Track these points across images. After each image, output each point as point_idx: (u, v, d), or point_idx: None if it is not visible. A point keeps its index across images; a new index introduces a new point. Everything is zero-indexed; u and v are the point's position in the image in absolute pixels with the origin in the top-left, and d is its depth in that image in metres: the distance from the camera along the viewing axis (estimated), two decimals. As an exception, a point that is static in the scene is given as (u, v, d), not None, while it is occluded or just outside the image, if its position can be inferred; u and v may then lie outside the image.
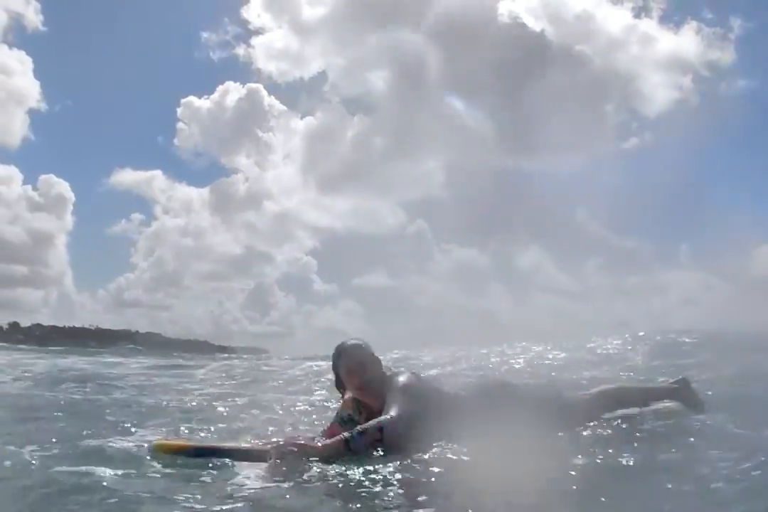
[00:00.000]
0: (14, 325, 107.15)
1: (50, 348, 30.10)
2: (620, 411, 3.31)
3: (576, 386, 4.19)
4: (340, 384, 3.10)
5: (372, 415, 2.83)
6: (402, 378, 2.90)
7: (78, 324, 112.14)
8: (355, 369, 2.99)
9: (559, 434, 2.94)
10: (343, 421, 3.00)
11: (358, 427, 2.67)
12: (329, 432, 3.01)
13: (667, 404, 3.48)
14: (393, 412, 2.69)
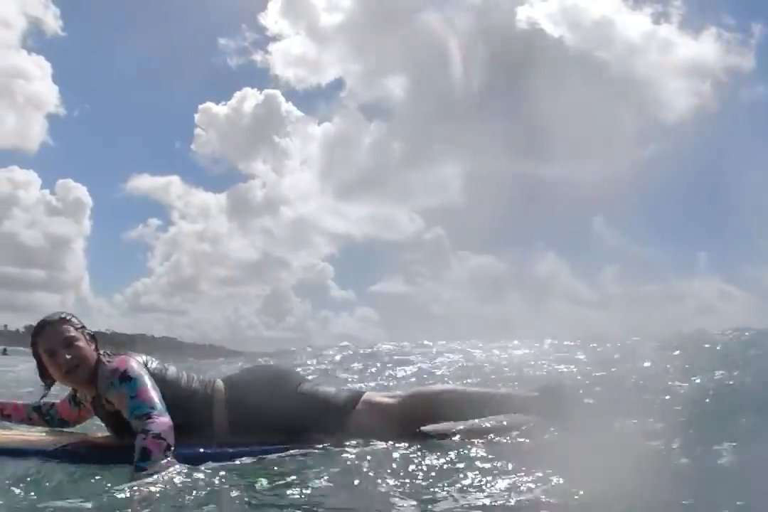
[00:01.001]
0: (30, 329, 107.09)
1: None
2: (437, 427, 2.48)
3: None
4: (43, 372, 2.41)
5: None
6: (127, 362, 2.30)
7: (94, 329, 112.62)
8: (59, 351, 2.33)
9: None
10: (73, 399, 2.62)
11: (136, 446, 2.05)
12: (60, 407, 2.70)
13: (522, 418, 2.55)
14: (149, 407, 2.14)
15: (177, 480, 1.89)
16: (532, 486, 1.83)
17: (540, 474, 1.90)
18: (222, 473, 1.97)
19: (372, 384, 5.02)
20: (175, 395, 2.31)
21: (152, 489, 1.83)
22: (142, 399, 2.19)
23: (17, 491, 1.82)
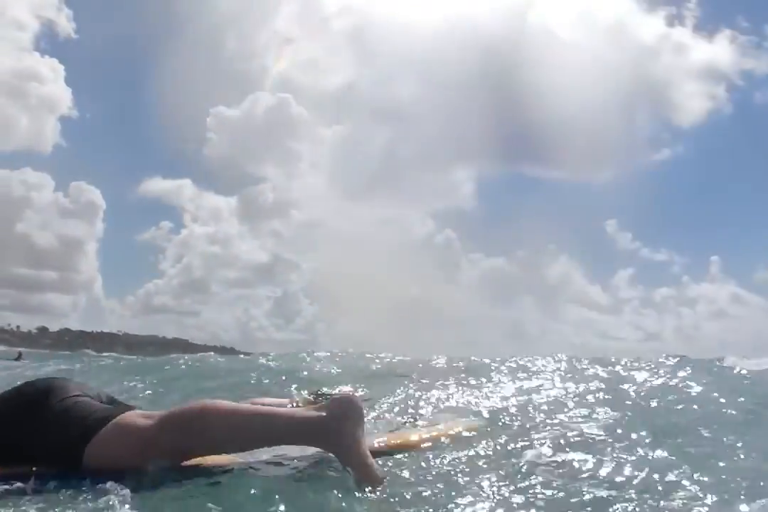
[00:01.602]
0: (43, 330, 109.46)
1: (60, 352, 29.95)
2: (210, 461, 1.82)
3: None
4: None
5: None
6: None
7: (106, 330, 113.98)
8: None
9: None
10: None
11: None
12: None
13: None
14: None
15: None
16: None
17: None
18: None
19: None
20: None
21: None
22: None
23: None
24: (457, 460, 2.02)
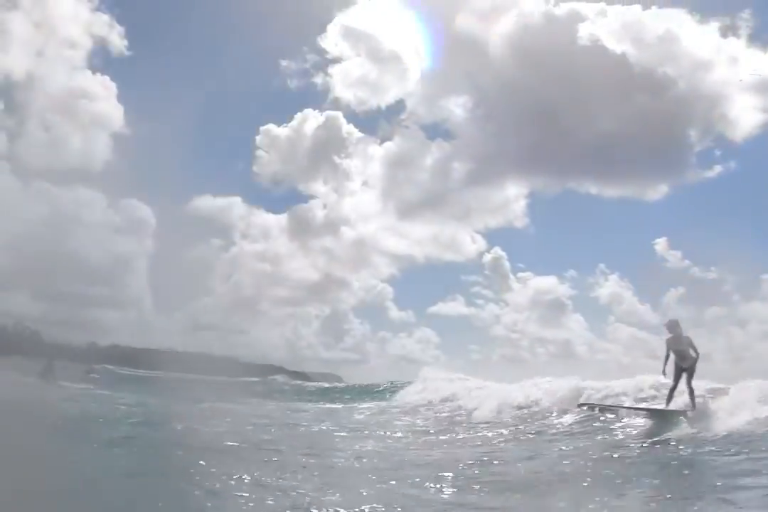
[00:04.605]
0: (92, 345, 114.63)
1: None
2: None
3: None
4: None
5: None
6: None
7: (154, 346, 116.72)
8: None
9: None
10: None
11: None
12: None
13: None
14: None
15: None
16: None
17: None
18: None
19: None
20: None
21: None
22: None
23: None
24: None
